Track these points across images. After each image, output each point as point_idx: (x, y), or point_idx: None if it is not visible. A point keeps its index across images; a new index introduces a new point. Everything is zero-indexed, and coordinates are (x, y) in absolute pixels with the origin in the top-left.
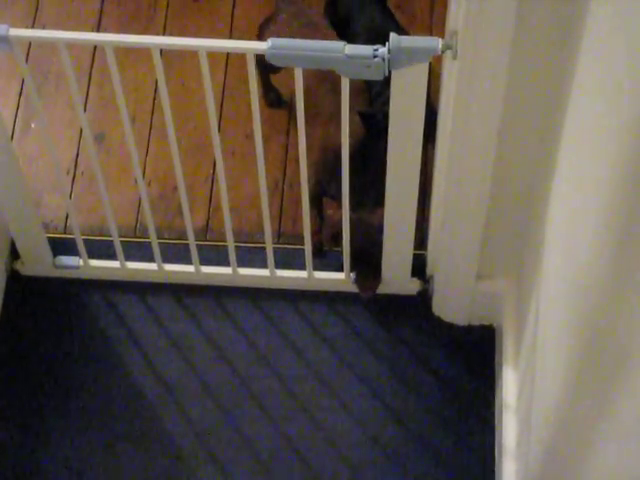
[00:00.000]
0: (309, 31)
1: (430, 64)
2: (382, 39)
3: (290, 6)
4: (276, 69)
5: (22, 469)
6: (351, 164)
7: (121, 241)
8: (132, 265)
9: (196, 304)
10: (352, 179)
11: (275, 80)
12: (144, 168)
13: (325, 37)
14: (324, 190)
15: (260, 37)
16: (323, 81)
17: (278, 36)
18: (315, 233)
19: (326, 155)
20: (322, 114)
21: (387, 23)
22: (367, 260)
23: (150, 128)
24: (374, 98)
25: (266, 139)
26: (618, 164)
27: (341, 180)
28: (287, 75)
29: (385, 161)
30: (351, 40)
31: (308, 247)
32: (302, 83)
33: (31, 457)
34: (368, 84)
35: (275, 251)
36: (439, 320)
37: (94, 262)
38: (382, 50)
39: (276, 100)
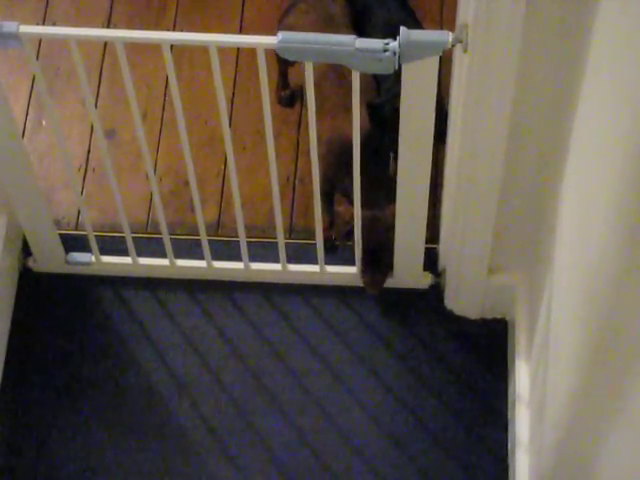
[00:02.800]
0: (326, 24)
1: (441, 59)
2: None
3: None
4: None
5: (35, 465)
6: (360, 160)
7: (133, 237)
8: (144, 261)
9: (208, 299)
10: (362, 175)
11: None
12: (155, 164)
13: (340, 31)
14: (334, 185)
15: (279, 25)
16: (329, 73)
17: (295, 26)
18: (325, 229)
19: (332, 148)
20: (328, 106)
21: (405, 19)
22: (376, 257)
23: (161, 124)
24: (384, 92)
25: (277, 134)
26: (629, 157)
27: (350, 175)
28: (295, 68)
29: (394, 157)
30: (368, 34)
31: (320, 241)
32: (312, 76)
33: (43, 452)
34: (377, 80)
35: (287, 246)
36: (451, 314)
37: (106, 258)
38: (393, 44)
39: (288, 99)
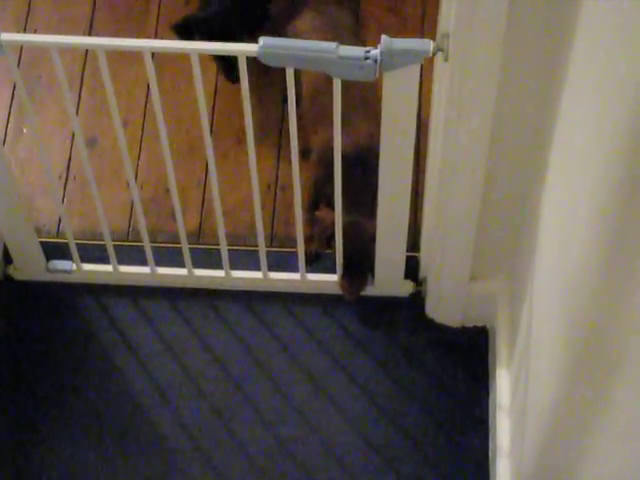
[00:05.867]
0: (332, 30)
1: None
2: None
3: (320, 4)
4: None
5: (16, 473)
6: (351, 170)
7: (114, 245)
8: (125, 269)
9: (189, 307)
10: (354, 186)
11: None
12: (136, 172)
13: (345, 39)
14: (320, 194)
15: (286, 29)
16: (329, 84)
17: (301, 31)
18: (307, 240)
19: (325, 159)
20: (325, 117)
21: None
22: (355, 264)
23: (142, 132)
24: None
25: (258, 141)
26: (609, 165)
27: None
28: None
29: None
30: None
31: (301, 249)
32: (293, 83)
33: (25, 460)
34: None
35: (268, 254)
36: (432, 322)
37: (87, 266)
38: (374, 52)
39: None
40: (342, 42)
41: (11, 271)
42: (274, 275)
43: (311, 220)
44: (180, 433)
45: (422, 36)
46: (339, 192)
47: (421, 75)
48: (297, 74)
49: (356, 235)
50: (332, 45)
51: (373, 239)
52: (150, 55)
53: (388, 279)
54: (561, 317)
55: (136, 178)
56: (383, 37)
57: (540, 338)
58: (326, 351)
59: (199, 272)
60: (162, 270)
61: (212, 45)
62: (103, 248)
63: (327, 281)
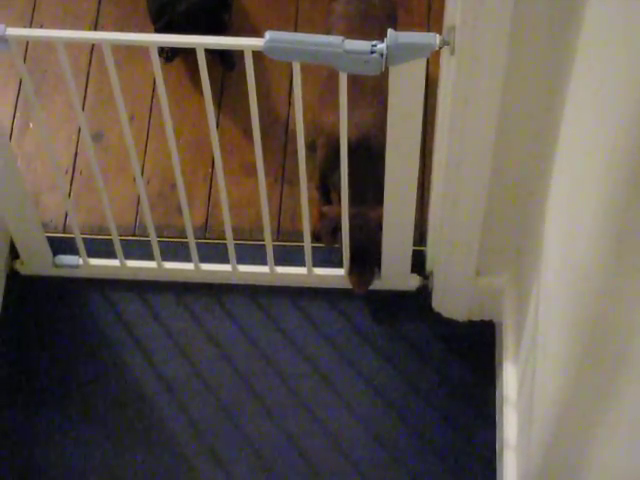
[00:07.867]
0: (364, 17)
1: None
2: None
3: None
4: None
5: (22, 468)
6: (357, 158)
7: (120, 239)
8: (132, 263)
9: (196, 302)
10: (357, 174)
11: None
12: (143, 166)
13: (375, 27)
14: (327, 178)
15: (328, 6)
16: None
17: (335, 12)
18: (314, 233)
19: (331, 144)
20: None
21: None
22: (363, 256)
23: (148, 126)
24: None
25: (264, 136)
26: (615, 160)
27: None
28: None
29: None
30: None
31: (307, 244)
32: (300, 77)
33: (31, 456)
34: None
35: (274, 248)
36: (439, 316)
37: (94, 261)
38: (380, 46)
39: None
40: (371, 29)
41: (18, 266)
42: (280, 269)
43: (322, 199)
44: (187, 427)
45: (428, 30)
46: (345, 185)
47: (427, 69)
48: None
49: (362, 225)
50: (338, 39)
51: (380, 230)
52: (156, 49)
53: (395, 273)
54: (567, 312)
55: (142, 173)
56: (389, 31)
57: (546, 332)
58: (333, 345)
59: (205, 267)
60: (168, 265)
61: (218, 39)
62: (110, 243)
63: (334, 275)
